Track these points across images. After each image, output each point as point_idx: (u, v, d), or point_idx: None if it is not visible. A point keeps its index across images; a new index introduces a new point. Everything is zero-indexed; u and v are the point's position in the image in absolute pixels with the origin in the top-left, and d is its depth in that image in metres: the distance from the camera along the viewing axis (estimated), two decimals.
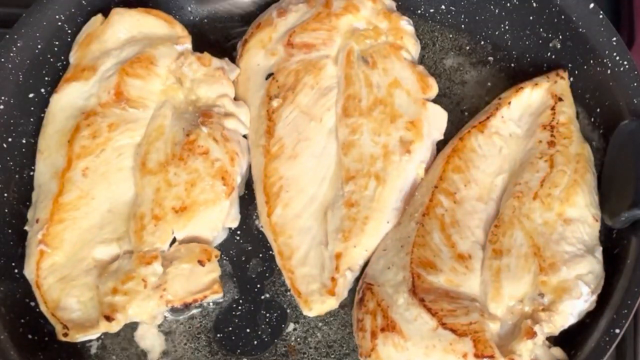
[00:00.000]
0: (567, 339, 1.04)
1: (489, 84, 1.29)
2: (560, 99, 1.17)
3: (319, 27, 1.24)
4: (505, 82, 1.28)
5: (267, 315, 1.16)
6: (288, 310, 1.16)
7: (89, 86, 1.20)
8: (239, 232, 1.21)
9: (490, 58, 1.31)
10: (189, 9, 1.36)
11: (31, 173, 1.20)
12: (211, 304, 1.17)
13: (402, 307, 1.03)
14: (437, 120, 1.21)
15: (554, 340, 1.04)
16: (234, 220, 1.18)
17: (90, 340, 1.14)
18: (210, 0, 1.37)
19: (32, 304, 1.14)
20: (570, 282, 1.02)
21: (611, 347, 0.98)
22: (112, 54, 1.21)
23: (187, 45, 1.24)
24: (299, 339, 1.15)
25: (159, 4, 1.31)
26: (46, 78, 1.23)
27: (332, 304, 1.11)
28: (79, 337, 1.09)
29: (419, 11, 1.34)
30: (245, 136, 1.23)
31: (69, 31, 1.25)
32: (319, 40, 1.23)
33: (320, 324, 1.16)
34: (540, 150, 1.14)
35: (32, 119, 1.22)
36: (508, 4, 1.26)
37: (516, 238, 1.06)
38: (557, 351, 1.03)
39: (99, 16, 1.24)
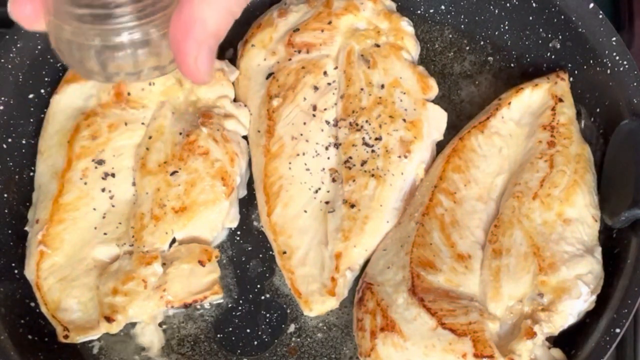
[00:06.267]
0: (567, 339, 1.04)
1: (488, 84, 1.29)
2: (560, 100, 1.17)
3: (319, 27, 1.24)
4: (505, 82, 1.28)
5: (267, 315, 1.16)
6: (288, 310, 1.16)
7: (89, 87, 1.20)
8: (239, 232, 1.21)
9: (490, 58, 1.31)
10: None
11: (31, 174, 1.20)
12: (211, 304, 1.17)
13: (401, 307, 1.03)
14: (437, 120, 1.21)
15: (554, 340, 1.04)
16: (233, 220, 1.18)
17: (91, 340, 1.14)
18: None
19: (33, 304, 1.14)
20: (570, 282, 1.02)
21: (611, 347, 0.98)
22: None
23: None
24: (299, 339, 1.15)
25: None
26: (46, 79, 1.23)
27: (332, 304, 1.11)
28: (80, 339, 1.10)
29: (419, 11, 1.34)
30: (245, 137, 1.23)
31: None
32: (319, 40, 1.23)
33: (320, 324, 1.16)
34: (540, 150, 1.14)
35: (32, 120, 1.22)
36: (508, 4, 1.26)
37: (516, 238, 1.06)
38: (557, 352, 1.03)
39: None
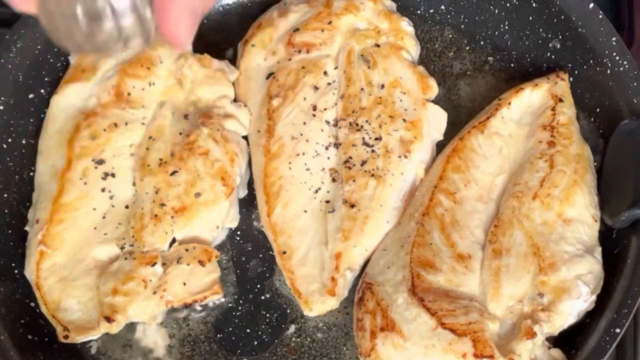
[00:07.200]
0: (567, 339, 1.04)
1: (488, 84, 1.29)
2: (560, 100, 1.17)
3: (319, 27, 1.24)
4: (505, 83, 1.28)
5: (267, 315, 1.16)
6: (288, 310, 1.16)
7: (89, 87, 1.20)
8: (239, 232, 1.21)
9: (490, 58, 1.31)
10: None
11: (31, 174, 1.20)
12: (211, 304, 1.17)
13: (401, 307, 1.03)
14: (436, 120, 1.21)
15: (554, 340, 1.04)
16: (233, 220, 1.19)
17: (90, 340, 1.14)
18: None
19: (33, 304, 1.14)
20: (570, 282, 1.02)
21: (611, 347, 0.98)
22: (112, 55, 1.21)
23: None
24: (299, 339, 1.15)
25: None
26: (46, 78, 1.23)
27: (332, 304, 1.11)
28: (80, 339, 1.10)
29: (419, 11, 1.34)
30: (245, 137, 1.23)
31: None
32: (319, 40, 1.23)
33: (320, 324, 1.16)
34: (540, 150, 1.13)
35: (32, 120, 1.22)
36: (508, 4, 1.26)
37: (516, 238, 1.06)
38: (557, 352, 1.03)
39: None
